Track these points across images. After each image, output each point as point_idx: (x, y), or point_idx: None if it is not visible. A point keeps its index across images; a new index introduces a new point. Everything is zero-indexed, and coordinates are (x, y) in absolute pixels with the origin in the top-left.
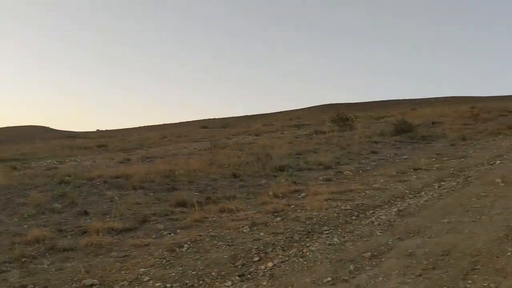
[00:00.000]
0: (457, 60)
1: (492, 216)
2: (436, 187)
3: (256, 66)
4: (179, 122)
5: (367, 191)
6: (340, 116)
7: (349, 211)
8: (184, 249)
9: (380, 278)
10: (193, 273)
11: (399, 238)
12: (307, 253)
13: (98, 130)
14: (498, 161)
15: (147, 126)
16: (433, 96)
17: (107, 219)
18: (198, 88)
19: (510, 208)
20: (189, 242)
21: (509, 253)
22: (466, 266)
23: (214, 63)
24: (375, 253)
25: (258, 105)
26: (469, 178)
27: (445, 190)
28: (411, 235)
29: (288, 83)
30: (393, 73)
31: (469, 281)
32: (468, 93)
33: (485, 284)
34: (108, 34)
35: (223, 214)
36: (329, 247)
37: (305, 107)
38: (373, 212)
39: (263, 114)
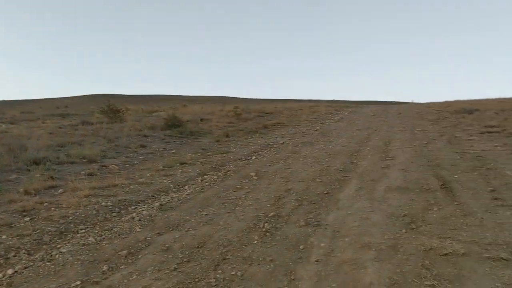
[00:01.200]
0: (238, 67)
1: (244, 207)
2: (199, 180)
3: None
4: None
5: (131, 186)
6: (110, 107)
7: (110, 207)
8: None
9: (134, 276)
10: None
11: (158, 233)
12: (57, 256)
13: None
14: (254, 157)
15: None
16: (205, 95)
17: None
18: None
19: (260, 199)
20: None
21: (255, 241)
22: (218, 257)
23: None
24: (132, 250)
25: (17, 91)
26: (228, 172)
27: (206, 184)
28: (170, 229)
29: (56, 69)
30: (171, 70)
31: (220, 271)
32: (233, 95)
33: (233, 273)
34: None
35: None
36: (83, 247)
37: (73, 95)
38: (135, 208)
39: (23, 100)
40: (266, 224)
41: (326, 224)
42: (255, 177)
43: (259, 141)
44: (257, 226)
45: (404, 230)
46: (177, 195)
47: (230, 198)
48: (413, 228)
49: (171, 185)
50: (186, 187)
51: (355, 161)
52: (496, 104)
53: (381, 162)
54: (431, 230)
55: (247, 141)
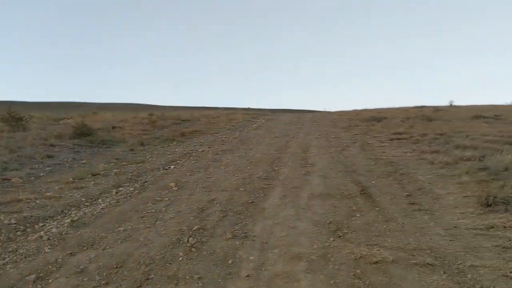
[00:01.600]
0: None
1: (166, 221)
2: (114, 193)
3: None
4: None
5: (38, 201)
6: (12, 114)
7: (14, 225)
8: None
9: None
10: None
11: (71, 253)
12: None
13: None
14: (173, 166)
15: None
16: (117, 102)
17: None
18: None
19: (182, 212)
20: None
21: (180, 258)
22: (140, 277)
23: None
24: (41, 274)
25: None
26: (146, 183)
27: (122, 196)
28: (85, 248)
29: None
30: (78, 74)
31: None
32: (147, 101)
33: None
34: None
35: None
36: None
37: None
38: (43, 225)
39: None
40: (190, 239)
41: (254, 236)
42: (175, 188)
43: (177, 150)
44: (181, 241)
45: (332, 238)
46: (90, 209)
47: (149, 211)
48: (340, 236)
49: (83, 199)
50: (100, 200)
51: (276, 168)
52: (400, 112)
53: (301, 169)
54: (357, 237)
55: (164, 150)
